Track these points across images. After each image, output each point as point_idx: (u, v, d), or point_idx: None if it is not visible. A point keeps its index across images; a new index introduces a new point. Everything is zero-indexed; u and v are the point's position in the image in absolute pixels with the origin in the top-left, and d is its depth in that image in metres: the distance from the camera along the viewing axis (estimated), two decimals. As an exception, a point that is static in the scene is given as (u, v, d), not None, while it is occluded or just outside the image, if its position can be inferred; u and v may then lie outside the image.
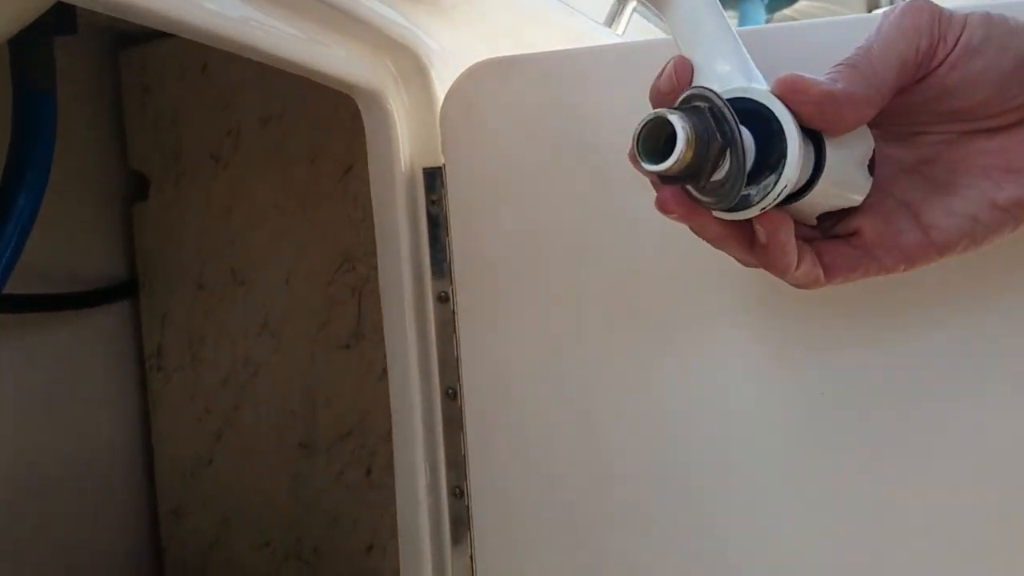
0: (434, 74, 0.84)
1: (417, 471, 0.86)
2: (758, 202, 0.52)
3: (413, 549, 0.86)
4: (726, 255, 0.59)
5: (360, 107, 0.84)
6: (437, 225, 0.84)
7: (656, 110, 0.51)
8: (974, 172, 0.56)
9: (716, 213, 0.55)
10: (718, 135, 0.50)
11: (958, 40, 0.53)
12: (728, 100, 0.51)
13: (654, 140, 0.51)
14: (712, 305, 0.76)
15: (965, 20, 0.53)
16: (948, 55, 0.53)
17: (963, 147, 0.56)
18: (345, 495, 1.25)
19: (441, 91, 0.83)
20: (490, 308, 0.82)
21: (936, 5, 0.53)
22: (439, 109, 0.83)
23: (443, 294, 0.85)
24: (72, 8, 0.95)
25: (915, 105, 0.55)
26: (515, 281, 0.81)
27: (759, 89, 0.53)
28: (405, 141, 0.84)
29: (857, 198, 0.57)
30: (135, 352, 1.39)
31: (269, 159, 1.27)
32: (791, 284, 0.58)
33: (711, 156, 0.51)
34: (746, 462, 0.76)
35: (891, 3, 2.76)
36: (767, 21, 2.68)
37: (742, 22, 2.65)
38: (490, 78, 0.80)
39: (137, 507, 1.39)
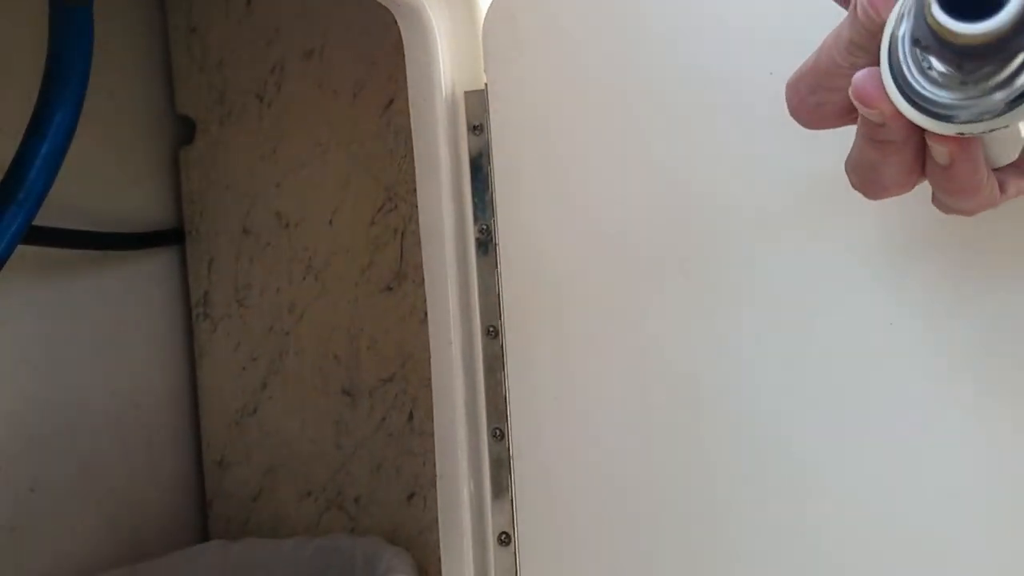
0: (476, -12, 0.79)
1: (456, 413, 0.82)
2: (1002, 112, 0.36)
3: (452, 493, 0.82)
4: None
5: (399, 23, 0.80)
6: (480, 155, 0.80)
7: None
8: None
9: (935, 126, 0.39)
10: None
11: None
12: None
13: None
14: (784, 253, 0.69)
15: None
16: None
17: None
18: (387, 442, 1.22)
19: (484, 7, 0.78)
20: (535, 251, 0.78)
21: None
22: (482, 25, 0.78)
23: (485, 229, 0.80)
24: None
25: None
26: (560, 219, 0.77)
27: None
28: (447, 60, 0.80)
29: None
30: (183, 299, 1.37)
31: (312, 95, 1.23)
32: (967, 210, 0.46)
33: None
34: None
35: None
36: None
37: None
38: (534, -9, 0.75)
39: (182, 457, 1.37)
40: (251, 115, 1.28)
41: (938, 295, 0.64)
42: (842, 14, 0.43)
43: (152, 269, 1.34)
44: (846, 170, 0.47)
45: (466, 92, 0.80)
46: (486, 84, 0.78)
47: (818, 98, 0.46)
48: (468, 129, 0.80)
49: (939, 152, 0.41)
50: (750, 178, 0.69)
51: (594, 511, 0.77)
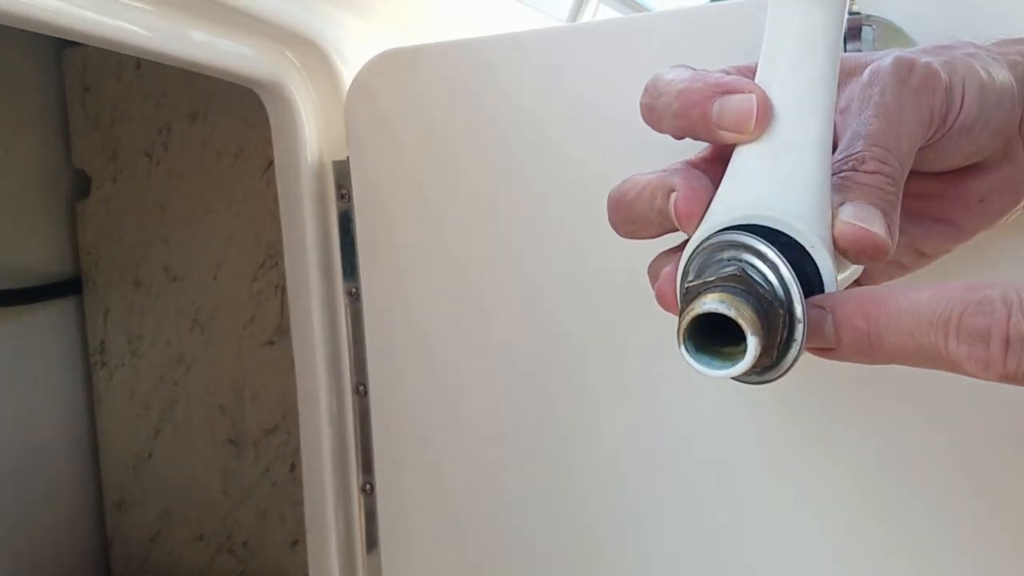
0: (339, 65, 0.79)
1: (325, 468, 0.82)
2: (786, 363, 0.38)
3: (322, 545, 0.82)
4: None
5: (264, 101, 0.80)
6: (348, 220, 0.80)
7: (709, 304, 0.36)
8: (905, 214, 0.45)
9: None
10: (782, 322, 0.37)
11: (955, 122, 0.44)
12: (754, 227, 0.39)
13: (698, 325, 0.37)
14: (610, 304, 0.71)
15: (963, 97, 0.44)
16: (940, 138, 0.44)
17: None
18: (271, 491, 1.21)
19: (349, 82, 0.78)
20: (399, 307, 0.78)
21: (942, 72, 0.43)
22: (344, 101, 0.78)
23: (353, 291, 0.80)
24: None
25: None
26: (421, 278, 0.77)
27: (807, 235, 0.39)
28: (312, 134, 0.80)
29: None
30: (80, 347, 1.35)
31: (196, 155, 1.23)
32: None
33: (779, 346, 0.37)
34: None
35: None
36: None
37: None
38: (393, 69, 0.76)
39: (84, 499, 1.35)
40: (141, 172, 1.27)
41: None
42: None
43: (50, 319, 1.32)
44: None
45: (334, 161, 0.80)
46: (347, 157, 0.78)
47: (631, 228, 0.46)
48: (337, 196, 0.80)
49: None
50: (590, 246, 0.71)
51: (457, 560, 0.78)
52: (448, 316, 0.76)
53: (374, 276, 0.78)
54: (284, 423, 1.18)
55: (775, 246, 0.37)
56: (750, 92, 0.40)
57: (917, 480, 0.64)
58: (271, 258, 1.18)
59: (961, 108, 0.43)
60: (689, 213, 0.41)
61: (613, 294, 0.70)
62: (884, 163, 0.41)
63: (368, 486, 0.81)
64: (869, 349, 0.36)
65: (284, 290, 1.17)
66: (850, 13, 0.62)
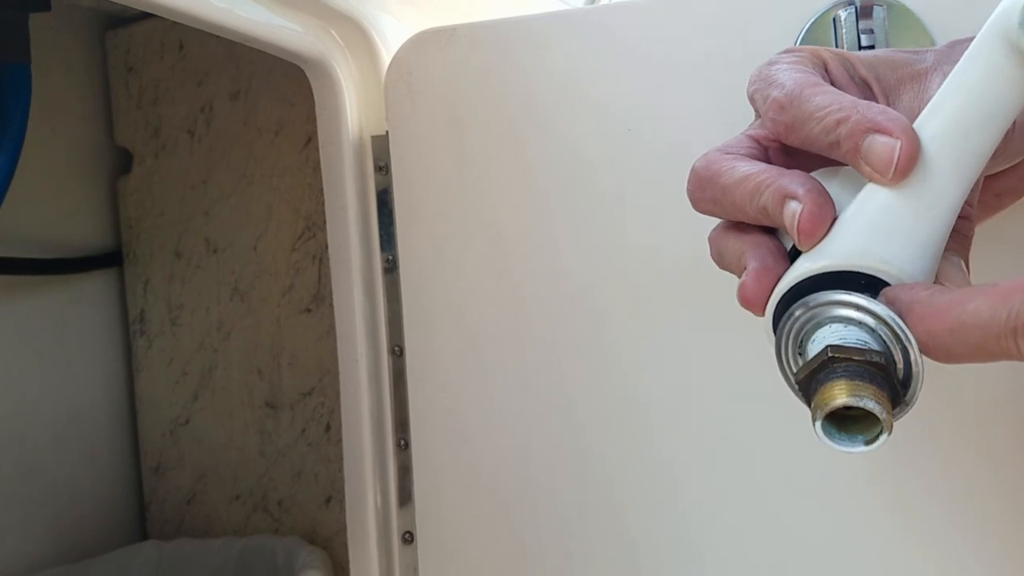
0: (380, 44, 0.82)
1: (363, 425, 0.84)
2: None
3: (360, 498, 0.85)
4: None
5: (308, 76, 0.82)
6: (386, 193, 0.83)
7: (852, 399, 0.36)
8: None
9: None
10: (889, 386, 0.37)
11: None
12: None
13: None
14: (641, 276, 0.74)
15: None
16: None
17: None
18: (306, 451, 1.24)
19: (388, 60, 0.81)
20: (434, 275, 0.81)
21: None
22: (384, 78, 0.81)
23: (390, 259, 0.83)
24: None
25: None
26: (454, 247, 0.80)
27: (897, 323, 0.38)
28: (353, 109, 0.82)
29: None
30: (121, 317, 1.39)
31: (238, 132, 1.26)
32: None
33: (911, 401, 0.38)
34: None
35: None
36: None
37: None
38: (430, 47, 0.79)
39: (122, 464, 1.38)
40: (183, 149, 1.30)
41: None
42: None
43: (92, 290, 1.35)
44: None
45: (372, 136, 0.82)
46: (387, 131, 0.81)
47: (714, 209, 0.45)
48: (375, 169, 0.82)
49: None
50: (617, 219, 0.74)
51: (486, 512, 0.80)
52: (480, 283, 0.79)
53: (410, 245, 0.81)
54: (320, 386, 1.21)
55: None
56: (897, 138, 0.39)
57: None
58: (309, 230, 1.21)
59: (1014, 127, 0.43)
60: (814, 232, 0.40)
61: (644, 266, 0.73)
62: (971, 206, 0.43)
63: (403, 442, 0.83)
64: (937, 356, 0.36)
65: (321, 260, 1.20)
66: (863, -7, 0.64)
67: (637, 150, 0.72)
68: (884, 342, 0.37)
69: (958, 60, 0.40)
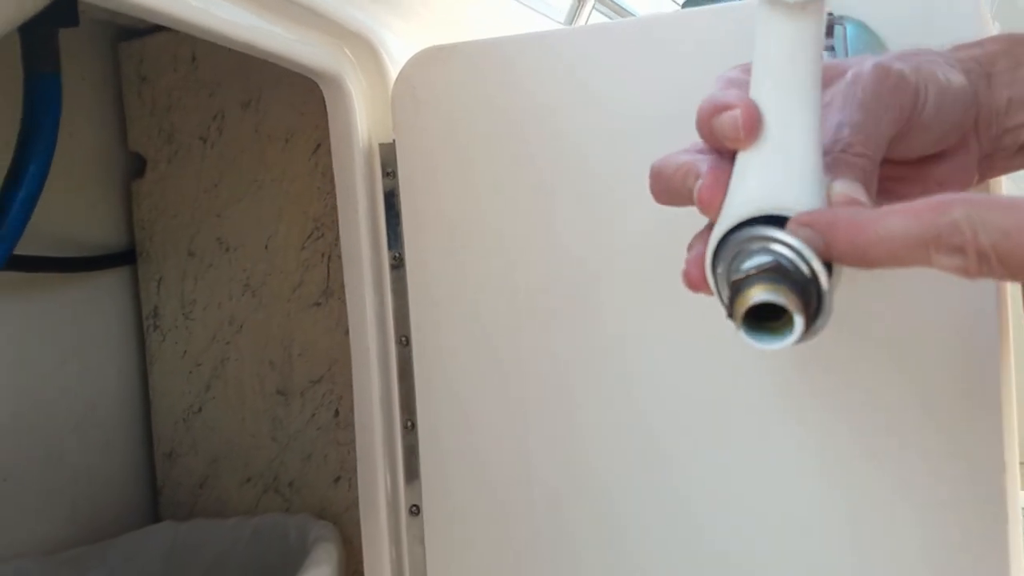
0: (387, 59, 0.87)
1: (373, 408, 0.89)
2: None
3: (370, 475, 0.89)
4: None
5: (322, 89, 0.87)
6: (392, 196, 0.87)
7: (760, 295, 0.43)
8: (881, 195, 0.53)
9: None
10: (815, 297, 0.43)
11: (919, 117, 0.51)
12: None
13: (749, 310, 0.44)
14: (626, 268, 0.79)
15: (926, 95, 0.51)
16: (908, 130, 0.51)
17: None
18: (316, 435, 1.29)
19: (395, 74, 0.86)
20: (437, 271, 0.86)
21: (911, 80, 0.50)
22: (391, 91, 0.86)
23: (397, 256, 0.88)
24: (74, 2, 0.98)
25: None
26: (455, 246, 0.85)
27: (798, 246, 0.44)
28: (363, 119, 0.87)
29: None
30: (134, 313, 1.43)
31: (249, 139, 1.30)
32: None
33: (813, 314, 0.43)
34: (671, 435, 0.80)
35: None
36: None
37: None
38: (433, 64, 0.84)
39: (136, 450, 1.42)
40: (195, 155, 1.34)
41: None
42: None
43: (108, 287, 1.39)
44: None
45: (380, 144, 0.87)
46: (393, 139, 0.86)
47: (666, 198, 0.51)
48: (383, 174, 0.87)
49: None
50: (605, 220, 0.80)
51: (486, 487, 0.85)
52: (480, 278, 0.84)
53: (415, 244, 0.86)
54: (329, 374, 1.26)
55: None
56: (736, 108, 0.46)
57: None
58: (317, 230, 1.25)
59: (924, 106, 0.50)
60: (710, 200, 0.47)
61: (638, 259, 0.79)
62: (866, 147, 0.48)
63: (410, 423, 0.88)
64: (861, 264, 0.42)
65: (330, 258, 1.25)
66: (824, 15, 0.70)
67: (619, 159, 0.78)
68: (791, 259, 0.43)
69: (859, 62, 0.50)
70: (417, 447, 0.88)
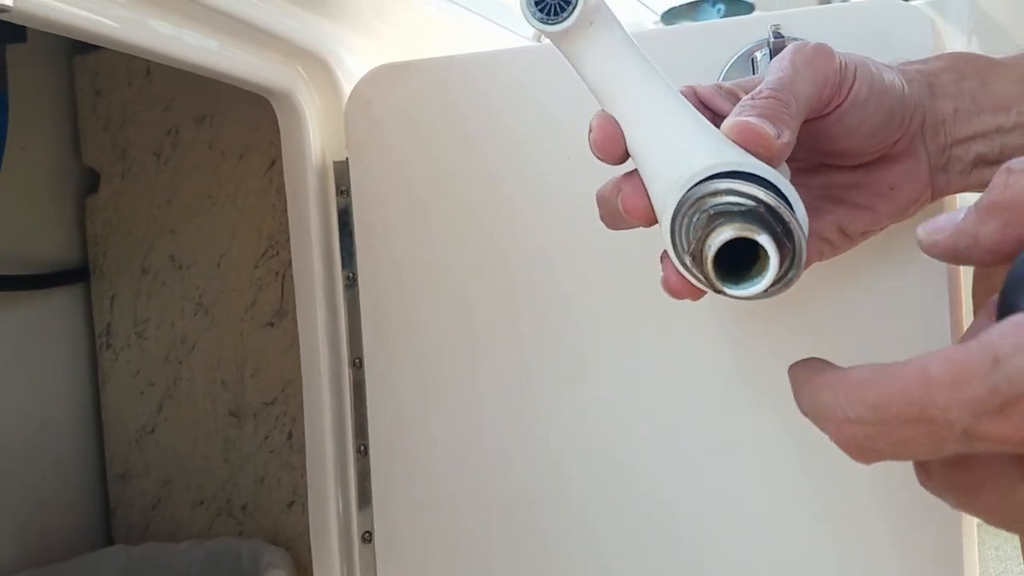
0: (341, 77, 0.87)
1: (325, 432, 0.88)
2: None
3: (322, 500, 0.89)
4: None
5: (274, 107, 0.87)
6: (346, 214, 0.87)
7: (725, 232, 0.43)
8: (832, 200, 0.57)
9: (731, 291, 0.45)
10: (793, 240, 0.43)
11: (849, 92, 0.53)
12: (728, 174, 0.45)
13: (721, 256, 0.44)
14: (576, 284, 0.79)
15: (855, 74, 0.53)
16: (839, 106, 0.53)
17: (822, 176, 0.58)
18: (269, 458, 1.28)
19: (348, 92, 0.86)
20: (391, 291, 0.85)
21: (837, 53, 0.53)
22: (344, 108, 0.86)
23: (351, 276, 0.87)
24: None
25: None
26: (410, 265, 0.84)
27: (753, 162, 0.45)
28: (316, 137, 0.87)
29: None
30: (87, 331, 1.41)
31: (203, 155, 1.29)
32: None
33: (796, 263, 0.44)
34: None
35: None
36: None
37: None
38: (388, 80, 0.84)
39: (88, 471, 1.40)
40: (149, 170, 1.33)
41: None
42: None
43: (59, 305, 1.37)
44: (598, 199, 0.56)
45: (334, 162, 0.87)
46: (347, 157, 0.86)
47: (610, 220, 0.56)
48: (336, 192, 0.87)
49: None
50: (559, 238, 0.79)
51: (440, 513, 0.85)
52: (433, 298, 0.83)
53: (369, 263, 0.86)
54: (282, 396, 1.25)
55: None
56: (591, 129, 0.51)
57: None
58: (272, 248, 1.24)
59: (854, 83, 0.52)
60: (633, 207, 0.50)
61: (590, 278, 0.79)
62: (776, 91, 0.50)
63: (362, 448, 0.87)
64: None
65: (284, 277, 1.24)
66: (776, 36, 0.71)
67: (573, 177, 0.78)
68: (754, 201, 0.44)
69: None
70: (370, 472, 0.87)
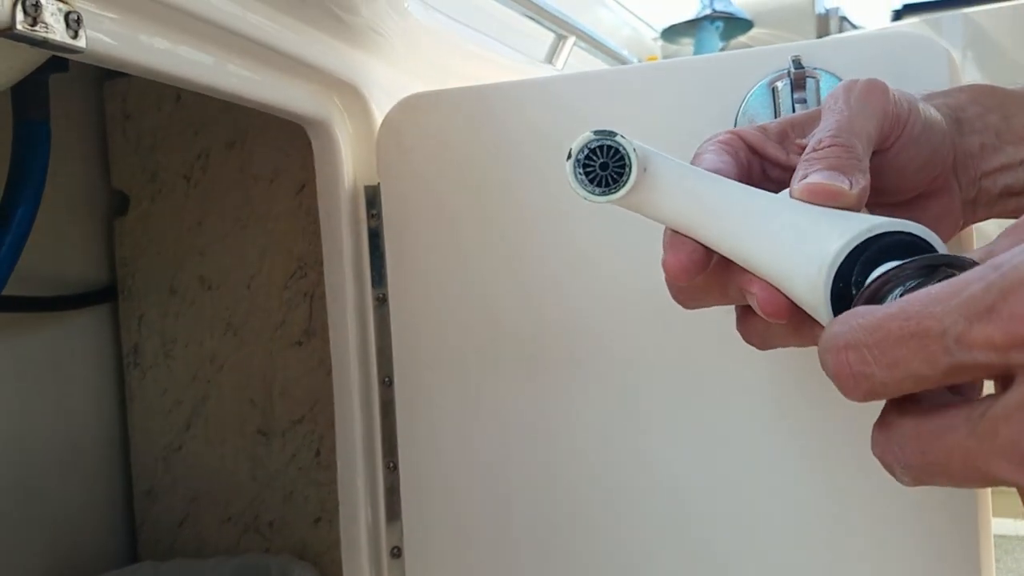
0: (374, 105, 0.90)
1: (356, 449, 0.90)
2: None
3: (352, 515, 0.91)
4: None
5: (309, 134, 0.90)
6: (377, 236, 0.90)
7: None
8: None
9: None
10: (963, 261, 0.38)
11: (904, 128, 0.52)
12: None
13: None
14: (605, 306, 0.82)
15: (909, 107, 0.52)
16: (894, 142, 0.52)
17: None
18: (297, 475, 1.30)
19: (380, 120, 0.89)
20: (421, 310, 0.88)
21: (884, 84, 0.52)
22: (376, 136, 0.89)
23: (381, 296, 0.90)
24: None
25: None
26: (438, 285, 0.87)
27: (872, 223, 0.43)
28: (348, 163, 0.90)
29: None
30: (115, 350, 1.43)
31: (234, 179, 1.32)
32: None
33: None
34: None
35: (840, 24, 2.81)
36: (722, 49, 2.63)
37: (697, 50, 2.62)
38: (417, 110, 0.87)
39: (115, 489, 1.42)
40: (179, 194, 1.36)
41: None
42: None
43: (88, 325, 1.40)
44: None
45: (366, 186, 0.90)
46: (378, 182, 0.89)
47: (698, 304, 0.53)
48: (367, 215, 0.90)
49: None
50: (584, 262, 0.82)
51: (467, 528, 0.87)
52: (462, 318, 0.86)
53: (399, 283, 0.89)
54: (310, 414, 1.28)
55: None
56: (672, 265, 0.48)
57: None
58: (301, 269, 1.27)
59: (909, 116, 0.52)
60: (775, 311, 0.46)
61: (614, 298, 0.81)
62: (836, 136, 0.48)
63: (392, 464, 0.90)
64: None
65: (313, 297, 1.27)
66: (797, 67, 0.73)
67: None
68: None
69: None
70: (399, 488, 0.89)
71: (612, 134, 0.46)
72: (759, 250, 0.46)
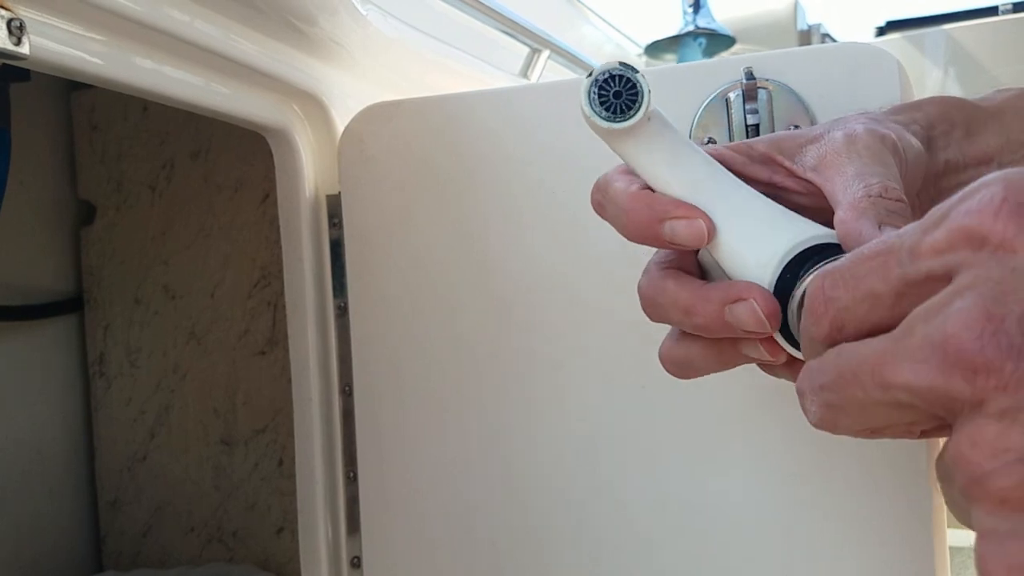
0: (335, 115, 0.90)
1: (315, 459, 0.90)
2: None
3: (312, 525, 0.91)
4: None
5: (270, 144, 0.89)
6: (338, 245, 0.90)
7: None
8: None
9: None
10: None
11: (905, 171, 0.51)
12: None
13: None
14: (567, 313, 0.82)
15: (905, 156, 0.52)
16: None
17: None
18: (260, 484, 1.30)
19: (342, 129, 0.89)
20: (381, 320, 0.88)
21: (894, 139, 0.51)
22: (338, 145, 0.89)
23: (342, 305, 0.90)
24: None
25: None
26: (399, 295, 0.87)
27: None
28: (310, 172, 0.90)
29: None
30: (80, 360, 1.43)
31: (198, 188, 1.32)
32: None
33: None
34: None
35: (822, 40, 2.82)
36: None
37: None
38: (379, 119, 0.87)
39: (80, 498, 1.42)
40: (144, 203, 1.35)
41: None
42: None
43: (54, 334, 1.39)
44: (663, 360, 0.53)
45: (327, 195, 0.90)
46: (340, 191, 0.89)
47: (671, 321, 0.51)
48: (329, 224, 0.90)
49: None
50: (548, 271, 0.82)
51: (427, 539, 0.87)
52: (422, 327, 0.86)
53: (360, 293, 0.88)
54: (273, 424, 1.28)
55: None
56: (695, 218, 0.47)
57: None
58: (264, 278, 1.27)
59: (905, 167, 0.51)
60: (772, 312, 0.45)
61: (576, 307, 0.81)
62: (898, 188, 0.47)
63: (352, 474, 0.89)
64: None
65: (276, 307, 1.27)
66: (749, 78, 0.74)
67: (556, 208, 0.81)
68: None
69: (839, 126, 0.52)
70: (359, 498, 0.89)
71: (635, 70, 0.48)
72: (728, 223, 0.48)
